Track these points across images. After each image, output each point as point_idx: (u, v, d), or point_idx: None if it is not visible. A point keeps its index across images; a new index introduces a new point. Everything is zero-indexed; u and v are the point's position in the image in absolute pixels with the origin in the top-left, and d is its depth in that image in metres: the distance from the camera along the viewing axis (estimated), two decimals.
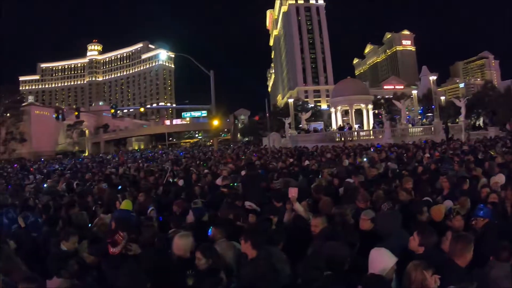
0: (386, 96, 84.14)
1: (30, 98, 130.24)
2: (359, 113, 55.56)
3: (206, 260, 4.71)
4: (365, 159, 17.16)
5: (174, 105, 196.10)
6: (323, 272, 4.14)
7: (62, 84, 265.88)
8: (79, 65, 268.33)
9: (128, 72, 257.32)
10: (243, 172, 14.13)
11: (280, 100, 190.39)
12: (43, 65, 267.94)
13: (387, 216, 5.88)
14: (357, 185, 10.10)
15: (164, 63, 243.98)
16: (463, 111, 44.68)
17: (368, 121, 52.55)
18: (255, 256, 4.87)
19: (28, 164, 49.14)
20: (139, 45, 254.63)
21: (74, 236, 6.18)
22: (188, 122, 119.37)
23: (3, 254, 5.51)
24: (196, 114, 78.41)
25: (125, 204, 8.56)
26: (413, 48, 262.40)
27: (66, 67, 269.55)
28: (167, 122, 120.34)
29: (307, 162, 19.34)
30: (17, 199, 13.12)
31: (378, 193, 8.67)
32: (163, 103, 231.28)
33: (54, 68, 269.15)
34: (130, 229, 6.22)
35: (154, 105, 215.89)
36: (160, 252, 5.67)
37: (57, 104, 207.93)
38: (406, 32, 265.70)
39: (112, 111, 46.84)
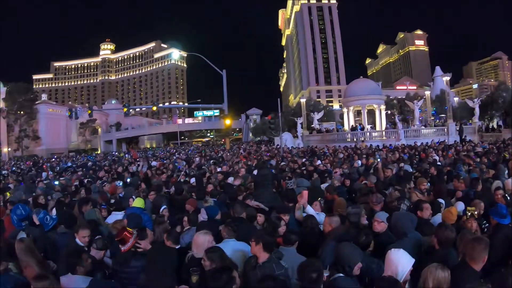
0: (399, 97, 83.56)
1: (44, 97, 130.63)
2: (371, 113, 55.26)
3: (210, 263, 4.69)
4: (378, 159, 17.10)
5: (186, 104, 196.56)
6: (321, 275, 4.10)
7: (75, 83, 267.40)
8: (92, 64, 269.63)
9: (140, 71, 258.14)
10: (255, 172, 14.20)
11: (292, 100, 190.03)
12: (57, 64, 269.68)
13: (401, 216, 5.78)
14: (370, 186, 10.11)
15: (176, 62, 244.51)
16: (476, 112, 44.42)
17: (381, 121, 52.32)
18: (266, 259, 4.81)
19: (40, 161, 49.58)
20: (152, 44, 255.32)
21: (84, 230, 6.24)
22: (200, 121, 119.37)
23: (23, 247, 5.52)
24: (208, 113, 78.48)
25: (138, 202, 8.63)
26: (426, 48, 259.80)
27: (79, 66, 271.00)
28: (179, 121, 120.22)
29: (319, 162, 19.37)
30: (30, 195, 13.26)
31: (392, 194, 8.68)
32: (175, 102, 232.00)
33: (67, 67, 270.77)
34: (139, 226, 6.35)
35: (166, 104, 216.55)
36: (169, 249, 5.68)
37: (70, 102, 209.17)
38: (419, 32, 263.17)
39: (125, 109, 47.15)
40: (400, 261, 4.23)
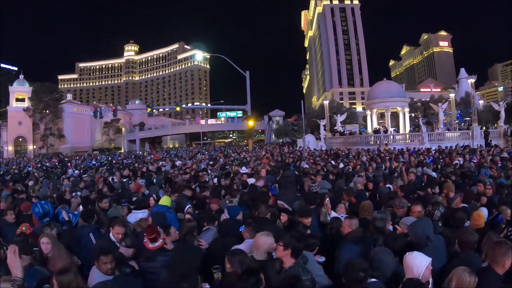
0: (423, 99, 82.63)
1: (69, 96, 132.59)
2: (395, 116, 54.81)
3: (229, 266, 4.71)
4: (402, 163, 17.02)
5: (209, 105, 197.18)
6: (368, 276, 4.14)
7: (100, 83, 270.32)
8: (116, 65, 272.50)
9: (164, 72, 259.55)
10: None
11: (315, 102, 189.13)
12: (81, 64, 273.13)
13: (418, 223, 5.59)
14: (395, 190, 10.10)
15: (199, 64, 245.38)
16: (502, 115, 43.68)
17: (405, 124, 51.85)
18: (292, 264, 4.77)
19: (65, 159, 50.27)
20: (175, 46, 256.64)
21: (120, 227, 6.34)
22: (222, 122, 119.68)
23: (51, 239, 5.69)
24: (231, 114, 78.78)
25: (165, 200, 8.74)
26: (450, 50, 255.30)
27: (104, 66, 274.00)
28: (202, 121, 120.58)
29: (342, 165, 19.36)
30: (54, 192, 13.54)
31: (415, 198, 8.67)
32: (198, 103, 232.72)
33: (91, 68, 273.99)
34: (163, 225, 6.43)
35: (190, 104, 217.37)
36: (195, 247, 5.77)
37: (94, 102, 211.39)
38: (443, 33, 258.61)
39: (149, 110, 47.53)
40: (414, 263, 4.24)
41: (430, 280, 4.30)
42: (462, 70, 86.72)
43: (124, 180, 16.55)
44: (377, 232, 6.00)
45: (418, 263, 4.23)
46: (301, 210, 7.64)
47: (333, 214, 7.54)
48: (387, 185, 10.98)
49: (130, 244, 5.74)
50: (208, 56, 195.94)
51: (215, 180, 14.63)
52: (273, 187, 11.51)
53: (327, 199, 7.69)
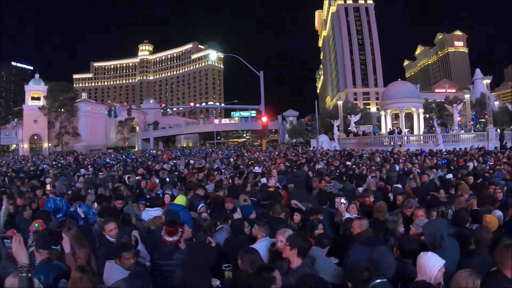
0: (438, 100, 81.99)
1: (84, 95, 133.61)
2: (409, 117, 54.47)
3: (241, 263, 4.80)
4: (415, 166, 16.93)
5: (223, 104, 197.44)
6: (372, 275, 4.13)
7: (114, 83, 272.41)
8: (130, 64, 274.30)
9: (178, 72, 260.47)
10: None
11: (329, 102, 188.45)
12: (96, 64, 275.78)
13: (433, 224, 5.57)
14: (408, 191, 10.08)
15: (213, 63, 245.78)
16: None
17: (419, 125, 51.51)
18: (300, 265, 4.79)
19: (80, 157, 50.72)
20: (189, 45, 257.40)
21: (110, 223, 6.48)
22: (236, 122, 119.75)
23: (73, 234, 5.76)
24: (245, 114, 78.94)
25: (180, 199, 8.82)
26: (465, 50, 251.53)
27: (118, 66, 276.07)
28: (216, 121, 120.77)
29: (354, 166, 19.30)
30: (69, 188, 13.70)
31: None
32: (212, 103, 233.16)
33: (106, 67, 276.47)
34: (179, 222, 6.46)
35: (203, 104, 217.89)
36: (208, 246, 5.86)
37: (109, 101, 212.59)
38: (458, 32, 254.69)
39: (163, 109, 47.90)
40: (428, 264, 4.24)
41: (442, 282, 4.29)
42: (478, 70, 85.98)
43: (137, 178, 16.67)
44: (388, 233, 6.02)
45: (432, 265, 4.24)
46: (311, 208, 7.83)
47: (346, 215, 7.54)
48: (397, 185, 10.94)
49: (127, 238, 5.84)
50: (222, 56, 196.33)
51: (229, 179, 14.66)
52: (280, 186, 11.57)
53: (342, 201, 7.69)
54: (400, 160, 21.05)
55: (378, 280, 4.19)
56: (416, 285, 4.10)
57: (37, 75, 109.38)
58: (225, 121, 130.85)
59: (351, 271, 4.22)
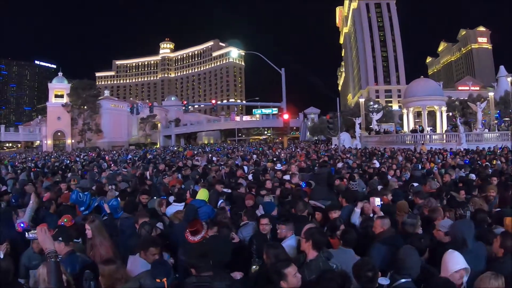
0: (461, 98, 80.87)
1: (106, 93, 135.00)
2: (432, 115, 53.88)
3: (266, 258, 4.86)
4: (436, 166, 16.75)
5: (244, 101, 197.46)
6: (377, 274, 4.13)
7: (136, 80, 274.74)
8: (152, 62, 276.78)
9: (199, 69, 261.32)
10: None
11: (350, 99, 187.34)
12: (118, 62, 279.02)
13: (461, 225, 5.54)
14: (430, 191, 9.99)
15: (234, 61, 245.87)
16: None
17: (442, 124, 50.90)
18: (315, 257, 4.86)
19: (103, 153, 51.29)
20: (210, 43, 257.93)
21: (143, 218, 6.54)
22: (257, 119, 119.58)
23: (96, 225, 5.88)
24: (267, 111, 78.75)
25: (202, 193, 8.87)
26: (489, 46, 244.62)
27: (140, 64, 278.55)
28: (237, 118, 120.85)
29: (377, 164, 19.20)
30: (93, 184, 13.88)
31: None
32: (233, 100, 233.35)
33: (128, 65, 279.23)
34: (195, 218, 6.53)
35: (225, 101, 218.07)
36: (226, 240, 5.88)
37: (131, 98, 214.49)
38: (481, 28, 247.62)
39: (184, 107, 48.12)
40: (449, 262, 4.27)
41: (464, 284, 4.28)
42: (502, 67, 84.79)
43: (160, 174, 16.81)
44: (409, 235, 5.97)
45: (451, 264, 4.26)
46: (330, 204, 7.82)
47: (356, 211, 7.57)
48: (417, 185, 10.84)
49: (149, 229, 5.90)
50: (243, 54, 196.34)
51: (250, 176, 14.69)
52: (305, 185, 11.58)
53: (377, 201, 7.65)
54: (423, 159, 20.89)
55: (403, 280, 4.21)
56: (436, 282, 4.11)
57: (60, 73, 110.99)
58: (246, 118, 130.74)
59: (356, 270, 4.21)
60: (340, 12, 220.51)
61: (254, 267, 5.09)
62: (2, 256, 4.62)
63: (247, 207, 8.38)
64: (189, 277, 4.27)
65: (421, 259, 4.61)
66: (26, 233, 4.13)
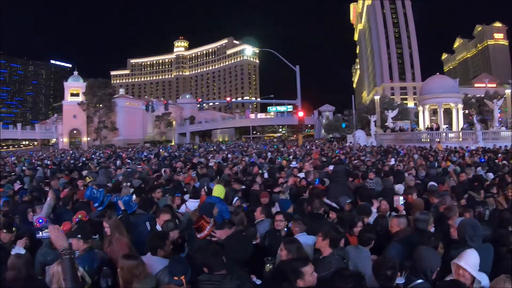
0: (477, 95, 79.98)
1: (121, 91, 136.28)
2: (448, 112, 53.40)
3: (286, 254, 4.85)
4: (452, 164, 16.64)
5: (258, 99, 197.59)
6: (396, 272, 4.12)
7: (151, 78, 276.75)
8: (166, 60, 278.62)
9: (213, 67, 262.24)
10: (330, 168, 14.24)
11: (365, 97, 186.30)
12: (133, 61, 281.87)
13: (462, 224, 5.43)
14: (446, 189, 9.91)
15: (249, 58, 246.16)
16: None
17: (458, 121, 50.38)
18: (328, 254, 4.92)
19: (118, 151, 51.67)
20: (224, 41, 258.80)
21: (165, 214, 6.63)
22: (272, 117, 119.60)
23: (113, 222, 5.94)
24: (281, 108, 78.56)
25: (217, 189, 8.88)
26: (505, 42, 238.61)
27: (154, 62, 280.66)
28: (252, 115, 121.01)
29: (392, 162, 19.12)
30: (108, 181, 13.98)
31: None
32: (247, 97, 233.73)
33: (143, 64, 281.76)
34: (210, 215, 6.61)
35: (239, 99, 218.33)
36: (245, 238, 5.81)
37: (146, 96, 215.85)
38: (498, 24, 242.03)
39: (199, 105, 48.28)
40: (462, 255, 4.29)
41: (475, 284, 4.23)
42: None
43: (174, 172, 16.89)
44: (420, 233, 5.94)
45: (457, 258, 4.29)
46: (361, 207, 7.71)
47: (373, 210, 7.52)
48: (433, 183, 10.76)
49: (173, 227, 5.92)
50: (257, 51, 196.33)
51: (266, 174, 14.69)
52: (318, 182, 11.56)
53: (400, 200, 7.60)
54: (438, 158, 20.74)
55: (419, 281, 4.15)
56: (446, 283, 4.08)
57: (75, 72, 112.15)
58: (261, 115, 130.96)
59: (376, 267, 4.21)
60: (354, 9, 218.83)
61: (268, 265, 5.07)
62: (23, 251, 4.67)
63: (263, 204, 8.35)
64: (201, 275, 4.28)
65: (439, 258, 4.52)
66: (40, 232, 4.16)
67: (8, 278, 4.26)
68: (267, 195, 9.23)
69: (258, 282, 4.98)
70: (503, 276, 3.96)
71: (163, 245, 5.17)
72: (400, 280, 4.21)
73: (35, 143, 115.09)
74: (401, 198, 7.47)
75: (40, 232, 4.43)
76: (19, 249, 4.89)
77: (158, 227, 6.51)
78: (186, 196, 10.04)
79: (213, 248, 4.51)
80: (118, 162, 26.26)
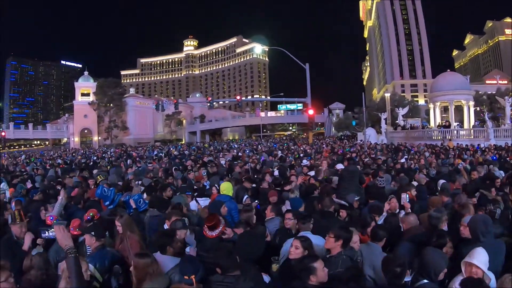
0: (489, 92, 79.36)
1: (131, 90, 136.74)
2: (459, 109, 53.00)
3: (303, 251, 4.84)
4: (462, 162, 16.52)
5: (268, 97, 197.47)
6: (405, 270, 4.12)
7: (161, 77, 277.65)
8: (176, 59, 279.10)
9: (223, 66, 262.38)
10: (339, 166, 14.21)
11: (376, 94, 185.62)
12: (143, 60, 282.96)
13: (474, 220, 5.39)
14: (457, 187, 9.87)
15: (258, 57, 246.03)
16: None
17: (469, 119, 49.96)
18: (336, 254, 4.93)
19: (129, 150, 51.92)
20: (233, 39, 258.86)
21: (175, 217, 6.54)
22: (282, 115, 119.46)
23: (125, 221, 6.00)
24: (292, 106, 78.58)
25: (226, 186, 8.91)
26: None
27: (164, 61, 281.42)
28: (262, 114, 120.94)
29: (403, 160, 19.06)
30: (119, 180, 14.05)
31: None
32: (257, 96, 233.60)
33: (152, 63, 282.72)
34: (218, 214, 6.53)
35: (249, 97, 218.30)
36: (257, 236, 5.80)
37: (156, 95, 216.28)
38: (508, 19, 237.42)
39: (209, 103, 48.40)
40: (471, 253, 4.28)
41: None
42: None
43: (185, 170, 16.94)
44: (432, 229, 5.93)
45: (467, 256, 4.29)
46: (372, 206, 7.70)
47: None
48: (444, 181, 10.69)
49: (181, 227, 5.90)
50: (267, 49, 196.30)
51: (276, 172, 14.68)
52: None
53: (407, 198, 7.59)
54: (450, 155, 20.64)
55: (425, 281, 4.16)
56: (466, 282, 4.07)
57: (86, 73, 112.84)
58: (271, 114, 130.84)
59: (385, 264, 4.23)
60: (363, 6, 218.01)
61: (274, 264, 5.09)
62: (41, 249, 4.73)
63: (272, 203, 8.34)
64: (214, 275, 4.27)
65: (447, 260, 4.48)
66: (46, 232, 4.20)
67: (32, 277, 4.32)
68: (275, 193, 9.19)
69: (268, 279, 4.95)
70: (508, 275, 3.99)
71: (171, 242, 5.18)
72: (407, 278, 4.20)
73: (47, 142, 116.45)
74: (406, 195, 7.45)
75: (46, 232, 4.48)
76: (38, 248, 4.95)
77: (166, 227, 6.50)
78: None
79: (226, 248, 4.50)
80: (129, 161, 26.38)
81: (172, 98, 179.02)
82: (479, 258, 4.23)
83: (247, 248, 5.04)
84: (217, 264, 4.24)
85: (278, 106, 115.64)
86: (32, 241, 5.72)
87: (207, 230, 5.61)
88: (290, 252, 4.95)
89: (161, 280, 4.27)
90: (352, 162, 13.01)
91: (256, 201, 9.21)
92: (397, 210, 7.40)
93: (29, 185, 13.77)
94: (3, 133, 65.52)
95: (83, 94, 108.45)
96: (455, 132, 41.62)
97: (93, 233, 5.28)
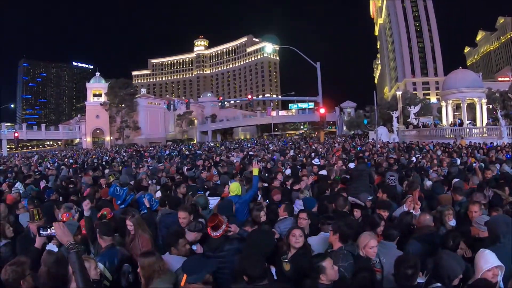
0: (501, 89, 78.57)
1: (143, 91, 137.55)
2: (471, 107, 52.53)
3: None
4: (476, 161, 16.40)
5: (279, 96, 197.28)
6: (417, 272, 4.10)
7: (172, 78, 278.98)
8: (187, 59, 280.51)
9: (234, 65, 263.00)
10: (351, 165, 14.18)
11: (387, 93, 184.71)
12: (153, 60, 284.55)
13: (496, 219, 5.38)
14: (472, 187, 9.80)
15: (269, 56, 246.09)
16: None
17: (482, 117, 49.50)
18: (337, 249, 4.99)
19: (141, 150, 52.25)
20: (244, 39, 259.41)
21: (183, 212, 6.54)
22: (293, 114, 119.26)
23: (136, 220, 6.01)
24: (303, 105, 78.51)
25: (233, 186, 8.88)
26: None
27: (175, 62, 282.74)
28: (273, 113, 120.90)
29: (413, 158, 18.96)
30: (131, 179, 14.13)
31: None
32: (268, 95, 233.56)
33: (163, 63, 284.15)
34: (230, 213, 6.79)
35: (260, 96, 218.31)
36: (267, 233, 5.81)
37: (167, 95, 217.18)
38: None
39: (220, 103, 48.51)
40: (480, 262, 4.19)
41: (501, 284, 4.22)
42: None
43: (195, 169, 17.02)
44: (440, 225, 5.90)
45: (482, 263, 4.16)
46: (379, 202, 7.70)
47: (404, 209, 7.45)
48: (457, 180, 10.61)
49: (193, 229, 5.91)
50: (277, 48, 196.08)
51: (288, 171, 14.66)
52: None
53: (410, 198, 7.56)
54: (462, 154, 20.48)
55: (438, 284, 4.10)
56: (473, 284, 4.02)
57: (97, 74, 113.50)
58: (282, 113, 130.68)
59: (396, 265, 4.19)
60: (374, 3, 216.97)
61: (285, 263, 5.07)
62: (55, 249, 4.75)
63: (282, 202, 8.31)
64: (239, 283, 4.25)
65: (463, 265, 4.32)
66: (45, 229, 4.21)
67: (40, 273, 4.35)
68: (278, 192, 9.29)
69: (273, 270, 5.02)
70: None
71: (175, 243, 5.23)
72: (421, 280, 4.16)
73: (59, 143, 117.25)
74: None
75: (47, 229, 4.51)
76: (52, 246, 4.99)
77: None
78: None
79: (256, 255, 4.43)
80: (149, 160, 26.60)
81: (183, 98, 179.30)
82: (494, 258, 4.19)
83: (256, 244, 5.06)
84: (245, 272, 4.14)
85: (289, 105, 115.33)
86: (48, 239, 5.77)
87: (211, 231, 5.58)
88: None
89: (169, 278, 4.31)
90: (361, 161, 12.95)
91: (267, 200, 9.22)
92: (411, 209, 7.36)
93: (43, 184, 13.86)
94: (16, 134, 66.01)
95: (94, 95, 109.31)
96: (467, 130, 41.27)
97: (102, 232, 5.33)
